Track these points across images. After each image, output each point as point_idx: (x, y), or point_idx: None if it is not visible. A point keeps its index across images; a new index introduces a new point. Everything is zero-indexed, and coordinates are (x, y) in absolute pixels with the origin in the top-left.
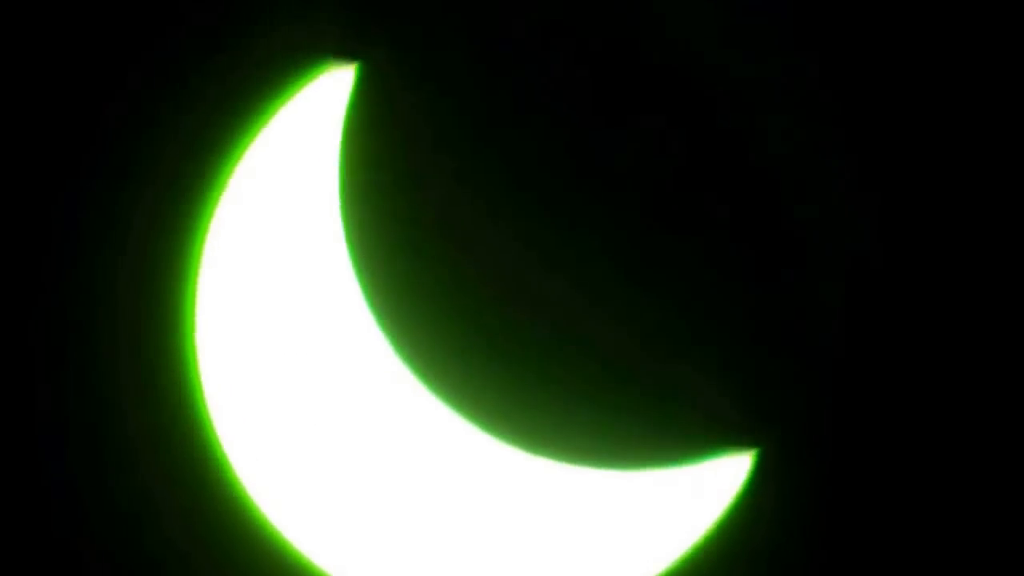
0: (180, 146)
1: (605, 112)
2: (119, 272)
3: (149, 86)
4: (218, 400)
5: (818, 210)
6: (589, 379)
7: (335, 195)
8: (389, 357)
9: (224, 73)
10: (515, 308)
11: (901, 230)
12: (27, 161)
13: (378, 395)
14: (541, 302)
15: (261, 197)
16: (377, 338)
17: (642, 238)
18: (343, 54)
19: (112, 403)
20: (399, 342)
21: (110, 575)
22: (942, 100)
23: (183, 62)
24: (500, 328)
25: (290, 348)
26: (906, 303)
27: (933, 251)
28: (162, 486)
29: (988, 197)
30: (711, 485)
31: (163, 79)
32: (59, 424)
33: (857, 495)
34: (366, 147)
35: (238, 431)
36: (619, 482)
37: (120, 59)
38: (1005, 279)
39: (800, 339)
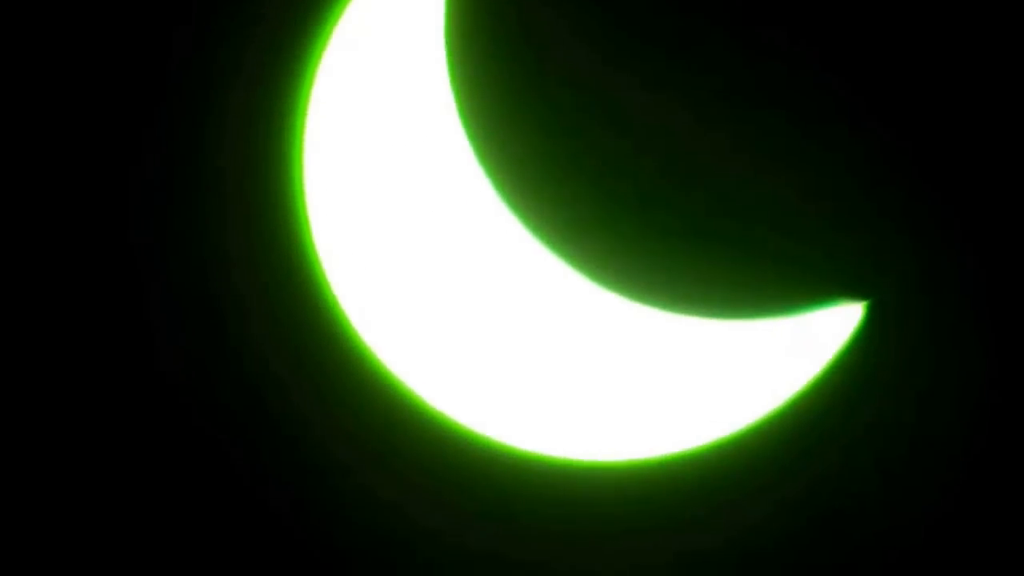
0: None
1: None
2: (229, 120)
3: None
4: (328, 245)
5: None
6: (699, 226)
7: (442, 43)
8: (496, 205)
9: None
10: (623, 153)
11: None
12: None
13: (485, 241)
14: (650, 148)
15: (368, 44)
16: (484, 185)
17: (757, 86)
18: None
19: (224, 248)
20: (506, 190)
21: (229, 426)
22: None
23: None
24: (607, 174)
25: (398, 194)
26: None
27: None
28: (276, 332)
29: None
30: (822, 334)
31: None
32: (172, 274)
33: (965, 352)
34: None
35: (348, 274)
36: (730, 331)
37: None
38: None
39: (917, 197)
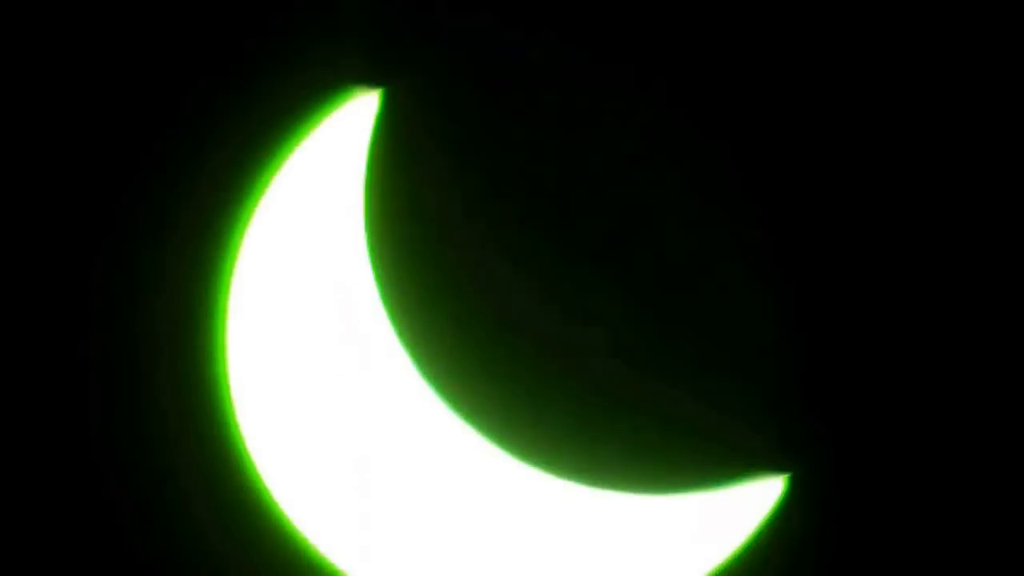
0: (214, 172)
1: (626, 141)
2: (157, 285)
3: (179, 118)
4: (245, 402)
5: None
6: (617, 402)
7: (360, 217)
8: (412, 374)
9: (253, 103)
10: (539, 329)
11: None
12: (76, 177)
13: (401, 411)
14: (565, 323)
15: (290, 219)
16: (401, 355)
17: (666, 263)
18: (367, 82)
19: (144, 401)
20: (423, 360)
21: (137, 568)
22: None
23: (213, 95)
24: (525, 349)
25: (315, 360)
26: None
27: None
28: (187, 480)
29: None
30: (740, 510)
31: (193, 111)
32: (90, 417)
33: (886, 522)
34: (389, 171)
35: (263, 432)
36: (646, 505)
37: (153, 92)
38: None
39: (829, 369)
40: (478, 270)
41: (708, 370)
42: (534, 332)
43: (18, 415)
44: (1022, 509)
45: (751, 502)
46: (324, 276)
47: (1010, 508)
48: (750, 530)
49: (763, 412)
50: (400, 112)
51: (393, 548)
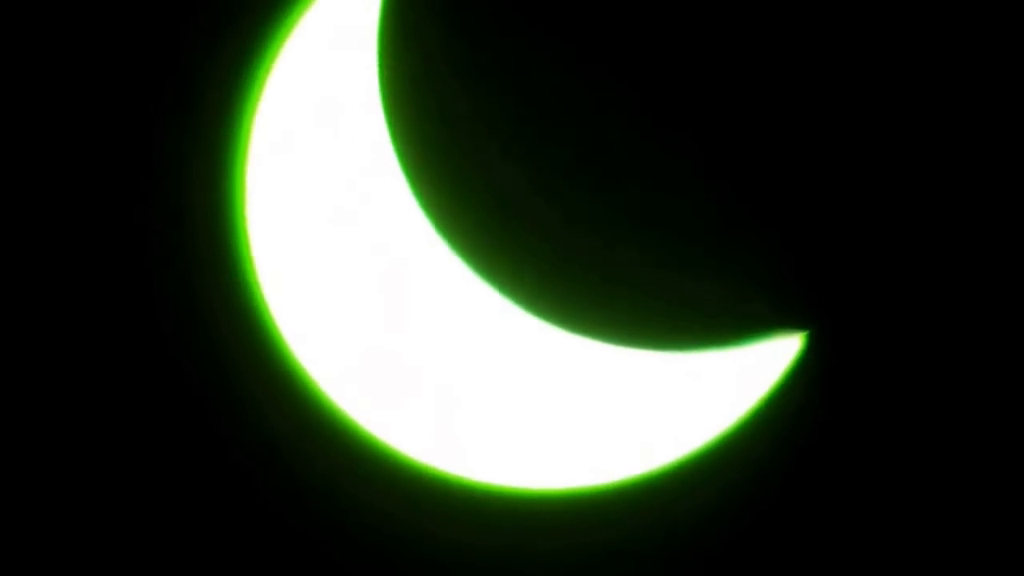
0: (227, 41)
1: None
2: (180, 155)
3: None
4: (269, 273)
5: None
6: (635, 261)
7: (374, 74)
8: (435, 239)
9: None
10: (558, 181)
11: None
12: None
13: (428, 277)
14: (585, 175)
15: (305, 75)
16: (419, 215)
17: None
18: None
19: (172, 278)
20: (445, 225)
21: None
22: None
23: None
24: (542, 207)
25: (338, 226)
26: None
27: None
28: (217, 357)
29: None
30: (758, 367)
31: None
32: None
33: (899, 382)
34: (401, 24)
35: (287, 300)
36: (670, 362)
37: None
38: None
39: (855, 226)
40: (495, 128)
41: (727, 228)
42: (551, 191)
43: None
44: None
45: (769, 360)
46: (341, 138)
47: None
48: (767, 387)
49: (782, 270)
50: None
51: (424, 413)
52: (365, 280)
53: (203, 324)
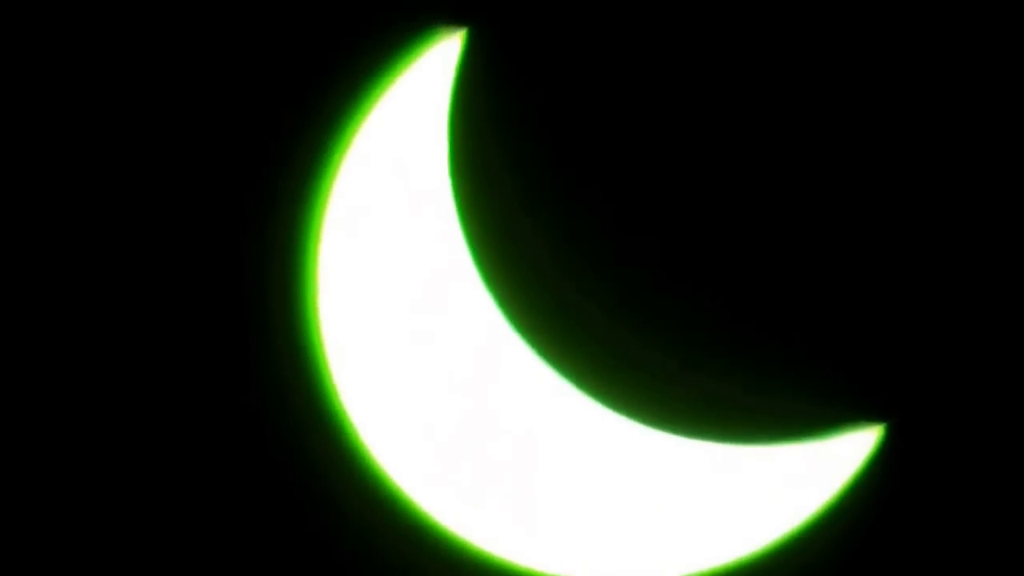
0: (303, 120)
1: (713, 101)
2: (254, 240)
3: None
4: (341, 364)
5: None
6: (712, 352)
7: (446, 165)
8: (501, 324)
9: (341, 47)
10: (632, 276)
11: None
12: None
13: (492, 363)
14: (658, 270)
15: (378, 168)
16: (490, 307)
17: (766, 209)
18: (452, 23)
19: (244, 364)
20: (511, 311)
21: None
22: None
23: (305, 40)
24: (616, 297)
25: (411, 320)
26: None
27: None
28: (286, 444)
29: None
30: (836, 459)
31: (286, 57)
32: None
33: (981, 474)
34: (473, 114)
35: (358, 388)
36: (745, 455)
37: (252, 49)
38: None
39: (931, 317)
40: (567, 220)
41: (803, 318)
42: (625, 280)
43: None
44: None
45: (847, 452)
46: (413, 233)
47: None
48: (845, 479)
49: (859, 360)
50: (483, 55)
51: (493, 503)
52: (438, 371)
53: (275, 404)
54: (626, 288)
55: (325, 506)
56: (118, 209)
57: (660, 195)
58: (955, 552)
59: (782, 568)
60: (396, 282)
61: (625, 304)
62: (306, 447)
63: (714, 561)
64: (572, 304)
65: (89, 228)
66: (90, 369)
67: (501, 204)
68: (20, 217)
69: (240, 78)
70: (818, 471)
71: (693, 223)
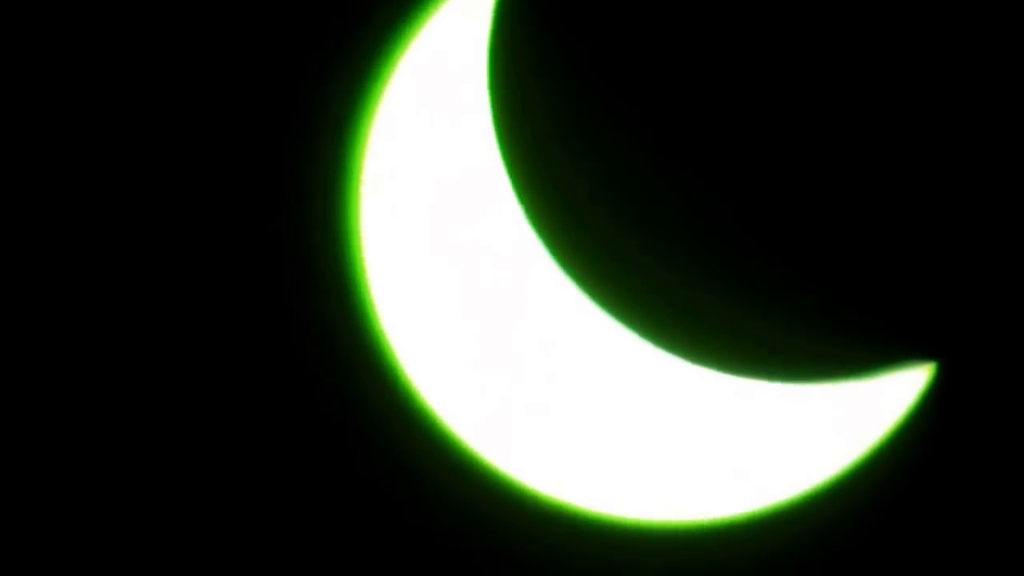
0: (340, 63)
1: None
2: (297, 175)
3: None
4: (383, 292)
5: None
6: (759, 291)
7: (486, 91)
8: (548, 263)
9: None
10: (680, 212)
11: None
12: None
13: (542, 303)
14: (708, 205)
15: (418, 102)
16: (534, 243)
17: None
18: None
19: (288, 293)
20: (556, 247)
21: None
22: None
23: None
24: (665, 232)
25: (451, 250)
26: None
27: None
28: (329, 374)
29: None
30: (886, 398)
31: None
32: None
33: None
34: (512, 45)
35: (402, 322)
36: (794, 393)
37: None
38: None
39: (983, 260)
40: (612, 156)
41: (855, 260)
42: (671, 218)
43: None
44: None
45: (897, 391)
46: (454, 163)
47: None
48: (895, 419)
49: (910, 301)
50: None
51: (538, 440)
52: (482, 307)
53: (324, 346)
54: (669, 228)
55: (362, 426)
56: (159, 138)
57: (703, 132)
58: (1004, 497)
59: (830, 511)
60: (434, 200)
61: (671, 246)
62: (346, 372)
63: (760, 502)
64: (614, 242)
65: (137, 159)
66: (138, 301)
67: (537, 134)
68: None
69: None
70: (866, 412)
71: (738, 161)
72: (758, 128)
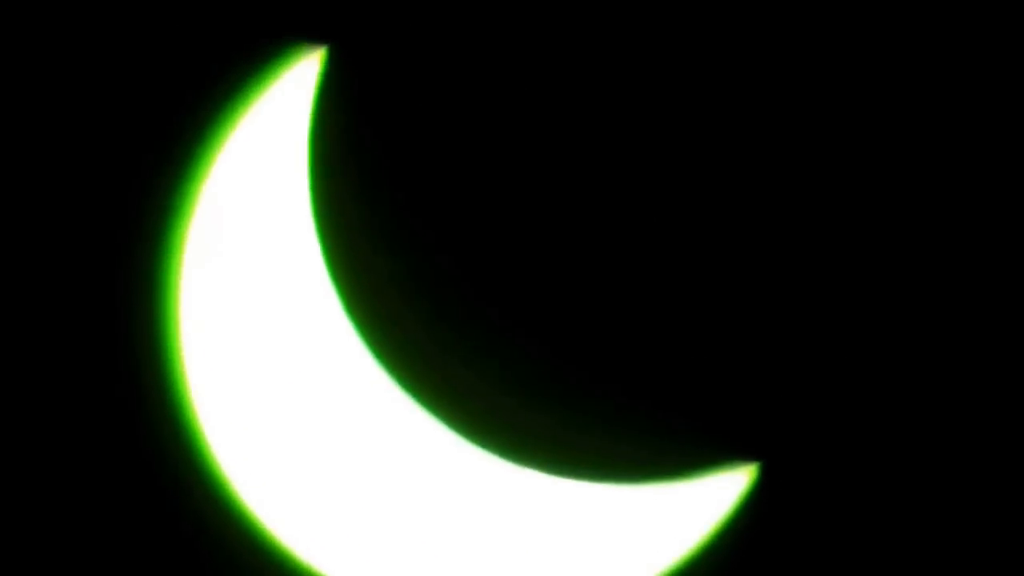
0: (160, 140)
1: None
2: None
3: (129, 83)
4: (204, 400)
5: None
6: (583, 392)
7: (307, 189)
8: (370, 363)
9: (199, 64)
10: (502, 312)
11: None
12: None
13: (362, 403)
14: (528, 308)
15: (237, 192)
16: (356, 342)
17: (635, 244)
18: (313, 39)
19: (102, 405)
20: (377, 346)
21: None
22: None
23: (160, 55)
24: (488, 333)
25: (272, 349)
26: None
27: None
28: (150, 484)
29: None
30: (711, 498)
31: (141, 74)
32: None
33: (858, 513)
34: (335, 133)
35: (223, 430)
36: (611, 496)
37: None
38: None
39: (800, 354)
40: (435, 251)
41: (675, 360)
42: (496, 319)
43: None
44: (995, 500)
45: (720, 492)
46: (275, 261)
47: (983, 497)
48: (718, 519)
49: (732, 401)
50: (345, 72)
51: (361, 543)
52: (299, 402)
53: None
54: (479, 326)
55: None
56: None
57: (518, 230)
58: None
59: None
60: (256, 303)
61: (481, 345)
62: (166, 464)
63: None
64: (422, 336)
65: None
66: None
67: (357, 233)
68: None
69: (91, 98)
70: (688, 513)
71: (558, 258)
72: (579, 230)
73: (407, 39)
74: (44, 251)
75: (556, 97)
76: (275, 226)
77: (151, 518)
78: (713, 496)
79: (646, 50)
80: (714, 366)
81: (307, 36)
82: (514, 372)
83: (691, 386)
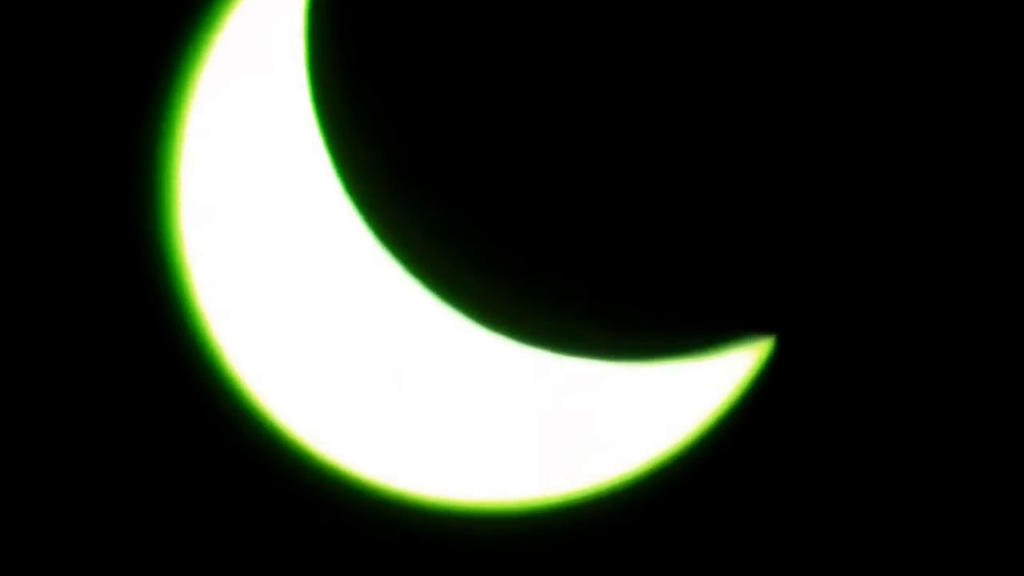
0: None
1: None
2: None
3: None
4: (206, 286)
5: None
6: (597, 267)
7: (304, 72)
8: (371, 244)
9: None
10: (508, 186)
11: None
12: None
13: (365, 284)
14: (532, 184)
15: (235, 79)
16: (357, 224)
17: (644, 113)
18: None
19: (101, 293)
20: (379, 227)
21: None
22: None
23: None
24: (491, 211)
25: (274, 235)
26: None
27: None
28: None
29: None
30: (725, 373)
31: None
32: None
33: (870, 390)
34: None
35: (226, 316)
36: (627, 374)
37: None
38: None
39: (820, 231)
40: (440, 123)
41: (694, 235)
42: (507, 191)
43: None
44: (1004, 374)
45: (736, 365)
46: (274, 144)
47: (996, 373)
48: (733, 393)
49: (746, 277)
50: None
51: (367, 429)
52: (305, 290)
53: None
54: (483, 202)
55: (192, 422)
56: None
57: (524, 98)
58: (840, 470)
59: (668, 486)
60: (257, 189)
61: (484, 224)
62: (175, 372)
63: (594, 479)
64: (446, 219)
65: None
66: None
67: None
68: None
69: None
70: (702, 387)
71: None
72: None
73: None
74: (47, 148)
75: None
76: (274, 109)
77: (156, 400)
78: (727, 371)
79: None
80: (728, 242)
81: None
82: (519, 251)
83: (704, 263)
